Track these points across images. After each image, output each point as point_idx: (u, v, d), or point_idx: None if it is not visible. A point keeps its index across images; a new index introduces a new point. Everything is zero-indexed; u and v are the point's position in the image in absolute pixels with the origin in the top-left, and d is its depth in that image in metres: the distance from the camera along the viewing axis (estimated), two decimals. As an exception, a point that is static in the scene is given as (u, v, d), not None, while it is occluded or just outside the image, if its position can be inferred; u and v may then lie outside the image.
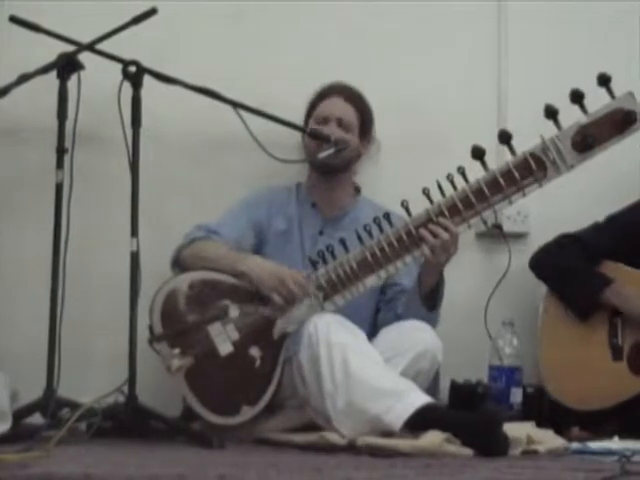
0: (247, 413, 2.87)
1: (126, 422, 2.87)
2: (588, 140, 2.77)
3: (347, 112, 3.22)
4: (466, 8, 3.61)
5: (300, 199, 3.28)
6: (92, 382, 3.09)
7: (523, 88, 3.53)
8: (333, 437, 2.74)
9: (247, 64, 3.43)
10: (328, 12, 3.52)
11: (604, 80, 2.73)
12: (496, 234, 3.57)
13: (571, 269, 3.31)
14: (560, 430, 2.94)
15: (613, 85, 2.74)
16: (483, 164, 2.84)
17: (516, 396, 3.21)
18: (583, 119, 2.78)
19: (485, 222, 2.92)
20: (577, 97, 2.74)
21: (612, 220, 3.37)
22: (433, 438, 2.63)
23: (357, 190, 3.32)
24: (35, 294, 3.09)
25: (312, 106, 3.27)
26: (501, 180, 2.83)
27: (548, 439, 2.76)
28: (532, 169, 2.81)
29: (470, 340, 3.45)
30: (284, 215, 3.23)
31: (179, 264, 3.08)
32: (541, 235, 3.52)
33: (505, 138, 2.82)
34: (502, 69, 3.61)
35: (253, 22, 3.47)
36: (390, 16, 3.56)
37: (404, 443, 2.63)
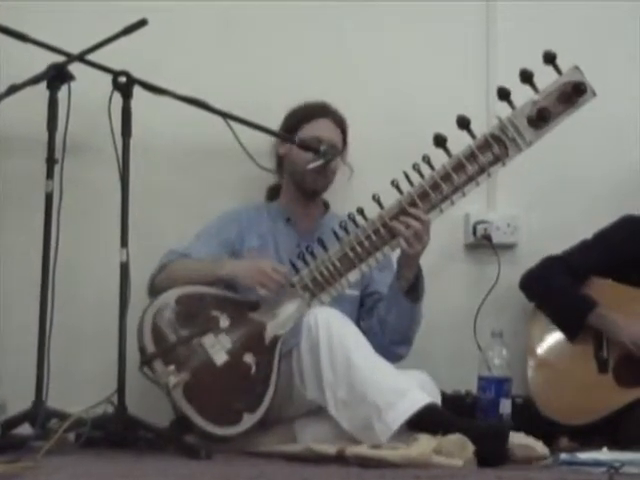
0: (249, 421, 2.86)
1: (115, 432, 2.86)
2: (542, 115, 2.85)
3: (336, 136, 3.26)
4: (454, 11, 3.61)
5: (272, 215, 3.30)
6: (81, 392, 3.08)
7: (512, 91, 3.54)
8: (321, 448, 2.74)
9: (236, 75, 3.44)
10: (315, 21, 3.53)
11: (550, 58, 2.80)
12: (485, 245, 3.58)
13: (556, 293, 3.34)
14: (549, 441, 2.94)
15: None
16: (446, 151, 2.90)
17: (505, 407, 3.20)
18: (535, 96, 2.85)
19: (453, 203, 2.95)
20: (527, 76, 2.81)
21: (600, 237, 3.39)
22: (422, 449, 2.64)
23: (326, 205, 3.35)
24: (24, 303, 3.08)
25: (298, 122, 3.26)
26: (466, 162, 2.90)
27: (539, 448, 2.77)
28: (493, 149, 2.89)
29: (459, 351, 3.46)
30: (256, 232, 3.25)
31: (155, 291, 3.07)
32: (530, 246, 3.54)
33: (464, 123, 2.88)
34: (491, 73, 3.62)
35: (242, 33, 3.48)
36: (377, 21, 3.57)
37: (393, 454, 2.63)
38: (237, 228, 3.24)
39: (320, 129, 3.23)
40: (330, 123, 3.26)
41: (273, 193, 3.39)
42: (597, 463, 2.58)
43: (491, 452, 2.64)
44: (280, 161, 3.33)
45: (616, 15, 3.66)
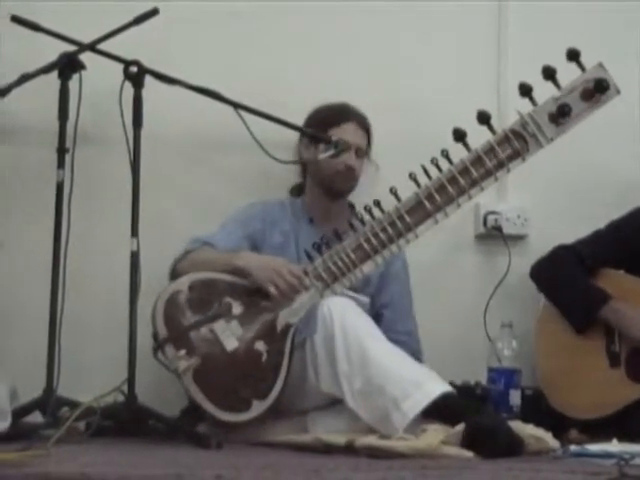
0: (258, 408, 2.88)
1: (125, 421, 2.87)
2: (563, 112, 2.85)
3: (363, 140, 3.27)
4: (468, 7, 3.60)
5: (296, 214, 3.31)
6: (91, 381, 3.09)
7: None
8: (330, 438, 2.75)
9: (248, 65, 3.44)
10: (328, 13, 3.51)
11: (573, 55, 2.80)
12: (496, 236, 3.57)
13: (568, 284, 3.32)
14: (559, 432, 2.94)
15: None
16: (465, 145, 2.89)
17: (515, 398, 3.22)
18: (557, 93, 2.85)
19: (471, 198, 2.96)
20: (549, 73, 2.81)
21: (613, 227, 3.37)
22: (431, 440, 2.64)
23: (351, 207, 3.34)
24: (35, 293, 3.09)
25: (325, 127, 3.24)
26: (485, 157, 2.90)
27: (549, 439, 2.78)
28: (513, 144, 2.89)
29: (469, 342, 3.46)
30: (279, 229, 3.25)
31: (176, 276, 3.08)
32: (541, 237, 3.53)
33: (484, 118, 2.87)
34: (502, 68, 3.61)
35: (254, 23, 3.47)
36: (388, 14, 3.56)
37: (402, 444, 2.63)
38: (261, 223, 3.25)
39: (348, 134, 3.22)
40: (355, 126, 3.26)
41: (297, 190, 3.39)
42: (607, 455, 2.57)
43: (499, 445, 2.63)
44: (304, 164, 3.32)
45: (630, 13, 3.65)
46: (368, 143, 3.31)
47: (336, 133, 3.21)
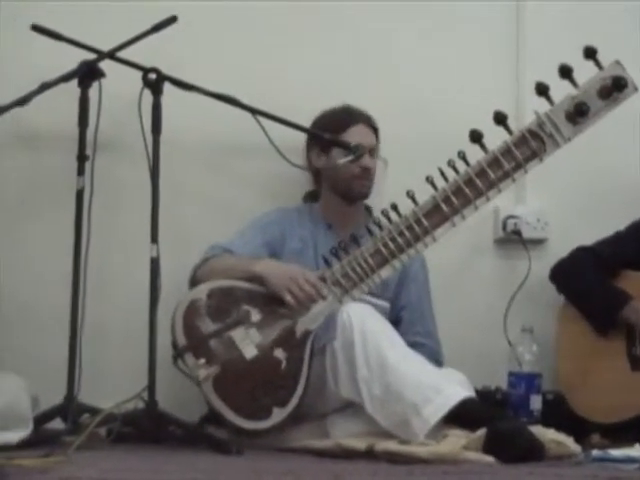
0: (278, 415, 2.88)
1: (146, 428, 2.88)
2: (581, 111, 2.83)
3: (373, 140, 3.26)
4: (485, 6, 3.59)
5: (313, 220, 3.30)
6: (112, 387, 3.10)
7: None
8: (350, 443, 2.75)
9: (265, 70, 3.43)
10: (344, 17, 3.51)
11: (590, 52, 2.78)
12: (515, 240, 3.56)
13: (588, 285, 3.31)
14: (580, 437, 2.93)
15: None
16: (482, 147, 2.88)
17: (535, 403, 3.20)
18: (574, 92, 2.83)
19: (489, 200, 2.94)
20: (566, 72, 2.79)
21: (633, 228, 3.36)
22: (452, 445, 2.63)
23: (368, 210, 3.34)
24: (56, 300, 3.11)
25: (334, 131, 3.22)
26: (501, 158, 2.88)
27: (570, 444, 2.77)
28: (530, 144, 2.87)
29: (489, 346, 3.45)
30: (298, 235, 3.25)
31: (196, 283, 3.09)
32: (561, 241, 3.51)
33: (501, 119, 2.86)
34: (518, 67, 3.60)
35: (271, 29, 3.47)
36: (404, 15, 3.55)
37: (422, 450, 2.63)
38: (280, 229, 3.25)
39: (360, 136, 3.21)
40: (364, 127, 3.25)
41: (311, 196, 3.38)
42: (629, 460, 2.57)
43: (520, 450, 2.63)
44: (316, 171, 3.32)
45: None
46: (377, 141, 3.30)
47: (346, 137, 3.21)
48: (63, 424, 2.87)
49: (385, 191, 3.29)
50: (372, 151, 3.25)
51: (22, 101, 2.89)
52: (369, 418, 2.84)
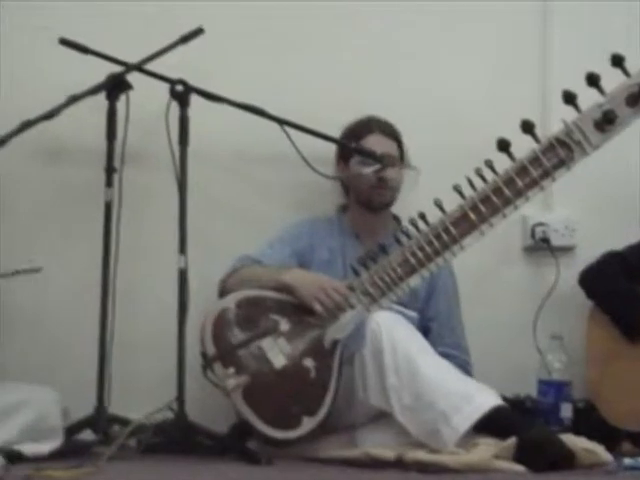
0: (308, 424, 2.88)
1: (175, 438, 2.89)
2: (609, 118, 2.82)
3: (390, 147, 3.25)
4: (510, 11, 3.58)
5: (343, 229, 3.31)
6: (141, 398, 3.10)
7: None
8: (380, 453, 2.75)
9: (292, 81, 3.44)
10: (370, 28, 3.51)
11: (618, 60, 2.77)
12: (544, 248, 3.55)
13: (616, 290, 3.29)
14: (611, 445, 2.91)
15: None
16: (510, 155, 2.88)
17: (566, 411, 3.19)
18: (601, 99, 2.82)
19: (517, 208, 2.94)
20: (593, 80, 2.79)
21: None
22: (482, 454, 2.63)
23: (396, 219, 3.34)
24: (85, 311, 3.12)
25: (350, 140, 3.23)
26: (530, 167, 2.88)
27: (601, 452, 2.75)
28: (558, 153, 2.87)
29: (518, 354, 3.43)
30: (326, 246, 3.25)
31: (225, 293, 3.10)
32: (589, 248, 3.49)
33: (528, 127, 2.85)
34: (547, 78, 3.59)
35: (298, 40, 3.47)
36: (432, 26, 3.55)
37: (452, 459, 2.63)
38: (308, 239, 3.25)
39: (373, 145, 3.21)
40: (380, 136, 3.24)
41: (344, 207, 3.38)
42: (660, 468, 2.56)
43: (551, 459, 2.62)
44: (344, 182, 3.32)
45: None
46: (401, 151, 3.29)
47: (364, 145, 3.21)
48: (93, 435, 2.88)
49: (413, 200, 3.28)
50: (394, 161, 3.24)
51: (50, 114, 2.92)
52: (399, 429, 2.84)
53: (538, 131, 2.89)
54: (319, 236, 3.27)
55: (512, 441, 2.68)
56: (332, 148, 3.29)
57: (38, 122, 2.91)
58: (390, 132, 3.27)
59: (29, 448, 2.75)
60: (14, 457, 2.67)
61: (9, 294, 3.14)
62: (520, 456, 2.65)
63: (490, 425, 2.76)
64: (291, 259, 3.20)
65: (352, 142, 3.23)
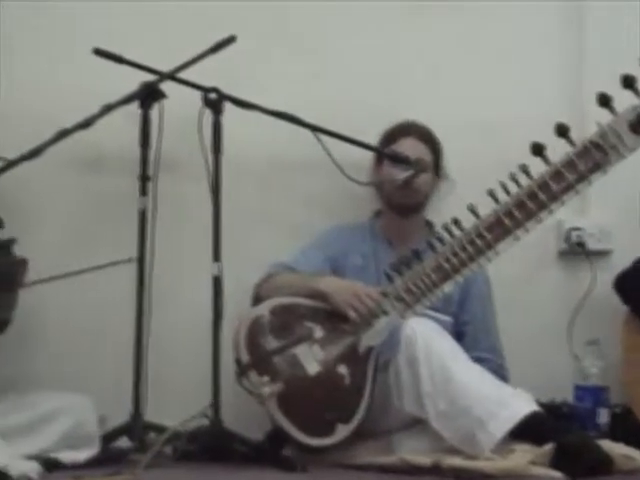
0: (343, 431, 2.88)
1: (211, 446, 2.89)
2: None
3: (423, 153, 3.24)
4: (544, 13, 3.57)
5: (375, 235, 3.31)
6: (177, 405, 3.10)
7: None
8: (416, 459, 2.74)
9: (325, 87, 3.43)
10: (401, 35, 3.50)
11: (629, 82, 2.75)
12: (579, 252, 3.53)
13: None
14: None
15: None
16: (544, 159, 2.86)
17: (603, 416, 3.17)
18: (636, 101, 2.80)
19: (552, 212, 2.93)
20: (629, 82, 2.76)
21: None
22: (519, 460, 2.61)
23: (429, 225, 3.33)
24: (120, 319, 3.13)
25: (383, 145, 3.25)
26: (564, 171, 2.86)
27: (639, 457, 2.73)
28: (594, 156, 2.84)
29: (554, 360, 3.41)
30: (359, 252, 3.25)
31: (259, 300, 3.11)
32: (625, 252, 3.47)
33: (563, 131, 2.84)
34: (581, 80, 3.57)
35: (331, 47, 3.47)
36: (465, 29, 3.54)
37: (489, 465, 2.62)
38: (341, 246, 3.25)
39: (406, 148, 3.21)
40: (414, 140, 3.24)
41: (377, 213, 3.38)
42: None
43: (588, 465, 2.60)
44: (376, 186, 3.31)
45: None
46: (436, 158, 3.28)
47: (396, 148, 3.21)
48: (129, 442, 2.89)
49: (447, 206, 3.27)
50: (424, 165, 3.22)
51: (86, 124, 2.94)
52: (435, 436, 2.83)
53: (574, 134, 2.87)
54: (352, 242, 3.27)
55: (549, 447, 2.66)
56: (366, 154, 3.28)
57: (74, 132, 2.93)
58: (427, 138, 3.26)
59: (66, 456, 2.77)
60: (51, 465, 2.70)
61: (44, 302, 3.16)
62: (557, 462, 2.64)
63: (526, 431, 2.75)
64: (324, 265, 3.20)
65: (386, 145, 3.23)
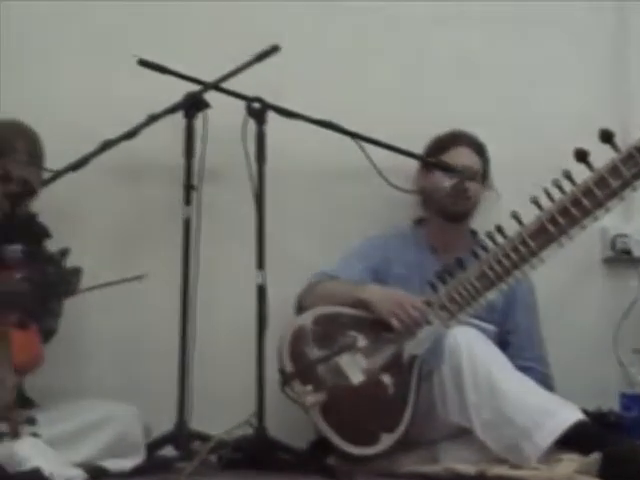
0: (387, 441, 2.87)
1: (255, 454, 2.90)
2: None
3: (475, 162, 3.25)
4: (586, 17, 3.56)
5: (418, 243, 3.30)
6: (221, 414, 3.11)
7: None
8: (461, 468, 2.73)
9: (368, 95, 3.44)
10: (442, 42, 3.51)
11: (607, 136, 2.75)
12: (625, 259, 3.50)
13: None
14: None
15: None
16: (588, 165, 2.83)
17: (651, 425, 3.14)
18: None
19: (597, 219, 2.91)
20: None
21: None
22: (565, 469, 2.60)
23: (473, 234, 3.32)
24: (165, 328, 3.14)
25: (434, 154, 3.25)
26: (609, 177, 2.84)
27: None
28: (638, 162, 2.82)
29: (600, 368, 3.39)
30: (403, 261, 3.25)
31: (302, 309, 3.12)
32: (672, 260, 3.45)
33: (607, 137, 2.81)
34: (627, 85, 3.55)
35: (373, 54, 3.48)
36: (509, 36, 3.54)
37: (534, 474, 2.61)
38: (384, 254, 3.25)
39: (457, 157, 3.21)
40: (465, 149, 3.25)
41: (419, 221, 3.38)
42: None
43: (633, 473, 2.58)
44: (422, 194, 3.32)
45: None
46: (485, 171, 3.28)
47: (446, 158, 3.22)
48: (175, 451, 2.90)
49: (490, 214, 3.26)
50: (473, 174, 3.23)
51: (131, 134, 2.97)
52: (481, 445, 2.82)
53: (618, 140, 2.85)
54: (395, 251, 3.27)
55: (596, 456, 2.64)
56: (410, 161, 3.28)
57: (119, 142, 2.96)
58: (477, 148, 3.27)
59: (112, 464, 2.78)
60: (97, 473, 2.72)
61: (87, 312, 3.19)
62: (605, 471, 2.61)
63: (572, 440, 2.73)
64: (367, 274, 3.20)
65: (437, 153, 3.24)
